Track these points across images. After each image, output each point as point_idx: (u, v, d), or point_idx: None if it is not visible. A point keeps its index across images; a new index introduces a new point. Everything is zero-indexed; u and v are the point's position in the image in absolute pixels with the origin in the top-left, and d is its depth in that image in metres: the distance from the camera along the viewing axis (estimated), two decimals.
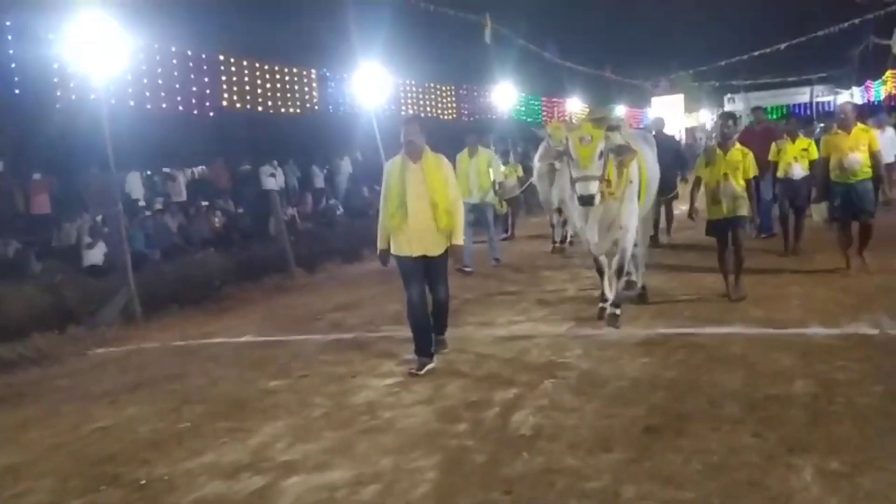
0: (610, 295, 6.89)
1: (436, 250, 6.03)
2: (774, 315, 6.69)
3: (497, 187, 11.05)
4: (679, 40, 39.03)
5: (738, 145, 7.59)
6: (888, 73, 36.06)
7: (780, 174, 9.86)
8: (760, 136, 10.57)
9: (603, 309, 6.94)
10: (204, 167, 17.88)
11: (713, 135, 39.06)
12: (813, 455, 3.82)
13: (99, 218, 14.16)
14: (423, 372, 5.86)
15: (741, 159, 7.45)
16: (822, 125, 11.35)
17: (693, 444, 4.09)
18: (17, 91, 11.89)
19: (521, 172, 15.04)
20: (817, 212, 9.24)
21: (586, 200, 6.27)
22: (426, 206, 5.92)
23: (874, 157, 8.11)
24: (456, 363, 6.15)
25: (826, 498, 3.42)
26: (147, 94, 12.97)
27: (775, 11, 23.74)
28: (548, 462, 4.03)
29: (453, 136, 15.91)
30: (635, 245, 7.33)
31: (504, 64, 22.31)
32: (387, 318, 8.09)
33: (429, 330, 6.10)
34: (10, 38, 11.53)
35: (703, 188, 7.68)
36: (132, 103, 12.65)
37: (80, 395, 6.34)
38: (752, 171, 7.52)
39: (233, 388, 6.05)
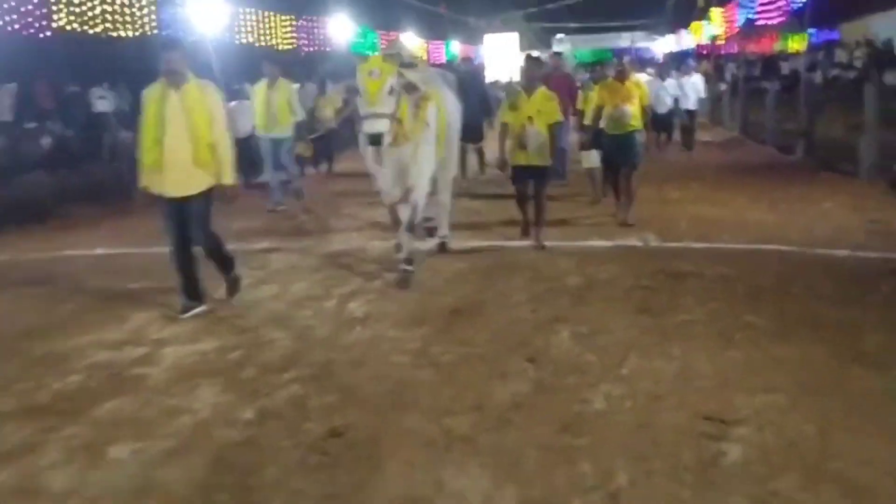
0: (406, 246, 6.43)
1: (194, 189, 5.52)
2: (563, 233, 8.09)
3: (301, 131, 10.54)
4: None
5: (543, 88, 7.47)
6: (694, 23, 39.28)
7: (587, 122, 9.35)
8: (556, 82, 9.81)
9: (405, 271, 6.38)
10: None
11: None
12: (570, 324, 5.20)
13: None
14: (187, 315, 5.63)
15: (546, 103, 7.31)
16: (590, 74, 11.77)
17: (485, 320, 5.39)
18: None
19: (338, 104, 14.50)
20: (587, 159, 9.56)
21: (374, 139, 5.87)
22: (185, 141, 5.40)
23: (644, 110, 8.35)
24: (299, 268, 7.15)
25: (573, 348, 4.78)
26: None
27: None
28: (375, 333, 5.20)
29: (295, 67, 16.44)
30: (434, 193, 7.05)
31: None
32: (230, 234, 8.90)
33: (193, 273, 5.76)
34: None
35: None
36: None
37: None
38: (557, 116, 7.38)
39: (99, 288, 6.73)
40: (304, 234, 8.78)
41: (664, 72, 14.98)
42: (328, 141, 13.91)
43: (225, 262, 6.02)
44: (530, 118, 7.23)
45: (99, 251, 8.52)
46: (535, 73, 7.74)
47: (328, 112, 13.15)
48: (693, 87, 14.40)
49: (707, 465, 3.35)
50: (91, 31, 14.09)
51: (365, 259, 7.41)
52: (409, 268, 6.41)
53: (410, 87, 6.19)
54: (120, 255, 8.22)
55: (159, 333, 5.32)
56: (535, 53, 10.72)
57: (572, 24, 46.86)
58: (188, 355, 4.92)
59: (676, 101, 14.06)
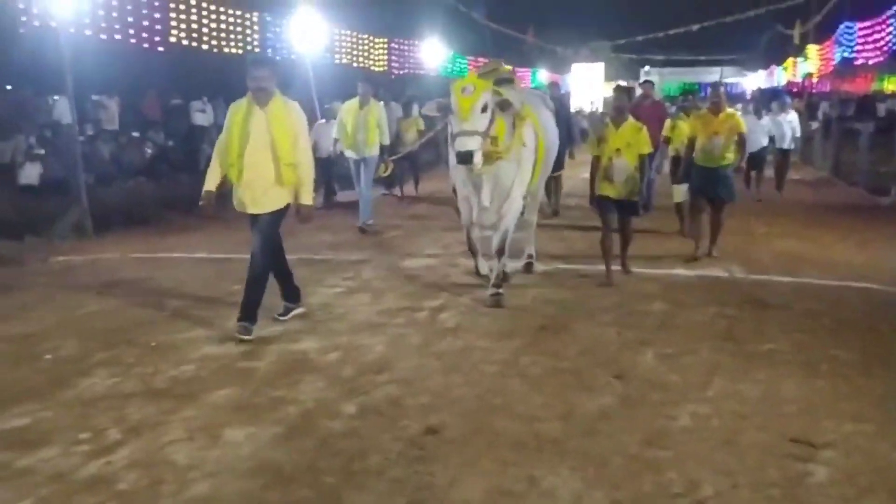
0: (485, 271, 6.57)
1: (271, 206, 5.50)
2: (648, 262, 8.15)
3: (385, 153, 10.34)
4: (600, 11, 40.79)
5: (631, 119, 7.23)
6: (789, 60, 38.65)
7: (673, 152, 9.68)
8: (647, 111, 9.93)
9: (496, 294, 6.36)
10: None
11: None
12: (655, 346, 5.33)
13: (33, 139, 14.73)
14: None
15: (635, 134, 7.08)
16: (683, 104, 11.24)
17: (572, 337, 5.55)
18: None
19: (421, 126, 13.97)
20: (677, 193, 9.14)
21: (463, 157, 5.70)
22: (267, 159, 5.38)
23: (739, 143, 8.02)
24: (389, 280, 7.44)
25: (658, 368, 4.91)
26: (103, 24, 13.57)
27: None
28: (466, 344, 5.42)
29: (386, 88, 16.95)
30: (522, 214, 6.97)
31: (434, 21, 23.34)
32: (324, 246, 9.28)
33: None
34: None
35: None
36: (89, 32, 13.23)
37: (64, 289, 7.33)
38: (646, 148, 7.19)
39: (201, 288, 7.15)
40: (392, 250, 9.08)
41: (759, 109, 14.40)
42: (413, 162, 13.98)
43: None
44: (618, 150, 7.03)
45: (201, 254, 9.01)
46: (623, 104, 7.39)
47: (411, 134, 13.70)
48: (790, 126, 13.88)
49: (793, 484, 3.45)
50: (203, 48, 14.88)
51: (452, 275, 7.63)
52: (500, 291, 6.41)
53: (505, 105, 5.98)
54: (218, 259, 8.66)
55: (263, 331, 5.65)
56: (623, 83, 10.43)
57: (660, 57, 46.66)
58: (290, 353, 5.23)
59: (772, 139, 13.47)
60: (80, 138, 15.36)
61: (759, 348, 5.29)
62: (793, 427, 4.01)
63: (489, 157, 5.93)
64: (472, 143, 5.70)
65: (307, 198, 5.58)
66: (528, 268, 7.59)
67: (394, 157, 11.31)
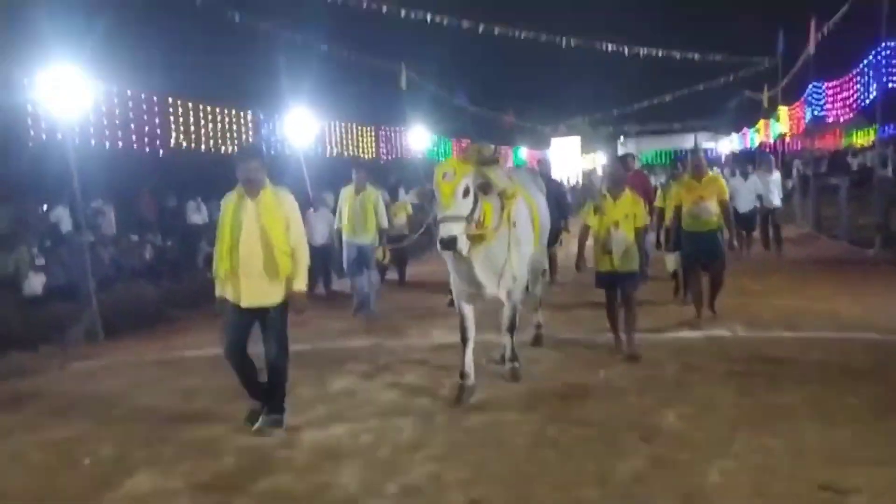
0: (469, 370, 6.17)
1: (270, 300, 5.43)
2: (653, 325, 8.36)
3: (383, 238, 10.27)
4: (575, 89, 42.21)
5: (628, 192, 7.22)
6: (760, 122, 39.80)
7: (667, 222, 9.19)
8: (631, 181, 9.41)
9: (462, 387, 6.09)
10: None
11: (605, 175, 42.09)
12: (676, 406, 5.54)
13: (35, 250, 14.97)
14: (280, 429, 5.53)
15: (633, 207, 7.07)
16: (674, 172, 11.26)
17: (594, 404, 5.78)
18: None
19: (410, 210, 13.64)
20: (670, 261, 9.11)
21: (446, 244, 5.59)
22: (260, 249, 5.32)
23: (723, 206, 8.11)
24: (406, 362, 7.61)
25: (682, 428, 5.11)
26: (107, 132, 14.06)
27: (660, 66, 26.70)
28: (493, 418, 5.60)
29: (375, 174, 17.40)
30: (528, 289, 7.02)
31: (417, 108, 24.22)
32: (335, 333, 9.47)
33: (255, 378, 5.67)
34: None
35: (591, 238, 7.34)
36: (93, 142, 13.70)
37: (89, 394, 7.43)
38: (644, 220, 7.21)
39: (222, 384, 7.23)
40: (401, 333, 9.24)
41: (745, 171, 14.79)
42: (401, 248, 13.10)
43: (282, 391, 5.66)
44: (616, 223, 6.98)
45: (212, 352, 9.12)
46: (620, 175, 7.47)
47: (401, 218, 13.41)
48: (776, 184, 14.21)
49: None
50: (202, 148, 15.40)
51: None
52: (516, 364, 6.57)
53: (486, 187, 5.87)
54: None
55: (291, 421, 5.79)
56: (621, 151, 10.76)
57: (635, 127, 47.99)
58: (324, 439, 5.38)
59: (759, 198, 13.69)
60: (84, 245, 15.83)
61: (775, 401, 5.50)
62: (820, 475, 4.20)
63: (476, 241, 5.88)
64: (456, 229, 5.63)
65: (301, 285, 5.49)
66: (538, 340, 7.66)
67: (392, 246, 11.20)
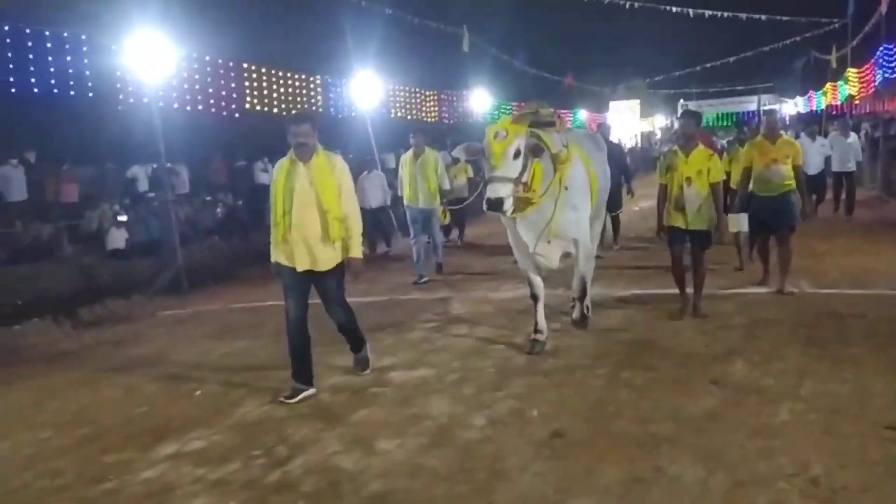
0: (542, 325, 6.30)
1: (324, 265, 5.41)
2: (721, 283, 8.55)
3: (443, 198, 10.30)
4: (636, 51, 41.73)
5: (701, 146, 6.98)
6: (828, 84, 38.85)
7: (734, 185, 8.92)
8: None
9: (535, 341, 6.25)
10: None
11: (664, 139, 41.66)
12: (744, 354, 5.79)
13: (116, 207, 15.73)
14: (295, 400, 5.37)
15: (706, 162, 6.85)
16: (729, 137, 10.77)
17: (663, 352, 6.04)
18: (90, 94, 13.50)
19: (470, 173, 13.98)
20: (734, 223, 8.19)
21: (492, 204, 5.51)
22: (314, 214, 5.33)
23: (797, 170, 7.88)
24: (478, 314, 7.97)
25: (751, 374, 5.37)
26: (187, 97, 14.64)
27: (725, 27, 26.26)
28: (568, 362, 5.93)
29: (435, 138, 17.72)
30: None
31: (479, 72, 24.33)
32: (404, 287, 9.89)
33: (306, 355, 5.57)
34: (85, 49, 13.20)
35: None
36: (176, 105, 14.30)
37: (186, 336, 8.02)
38: (720, 175, 6.91)
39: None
40: (469, 288, 9.61)
41: (813, 132, 14.34)
42: (461, 210, 12.91)
43: (357, 339, 5.92)
44: (689, 179, 6.81)
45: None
46: (692, 130, 7.13)
47: (461, 180, 13.60)
48: (853, 148, 13.85)
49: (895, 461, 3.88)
50: (273, 111, 15.89)
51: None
52: (588, 315, 6.75)
53: (538, 150, 5.76)
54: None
55: (381, 362, 6.21)
56: (691, 106, 10.56)
57: (696, 89, 47.18)
58: (411, 379, 5.80)
59: (827, 160, 13.47)
60: (169, 203, 16.55)
61: (843, 352, 5.71)
62: (886, 417, 4.43)
63: (523, 204, 5.79)
64: (503, 190, 5.53)
65: (356, 251, 5.51)
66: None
67: (452, 207, 11.00)
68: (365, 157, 15.08)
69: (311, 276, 5.44)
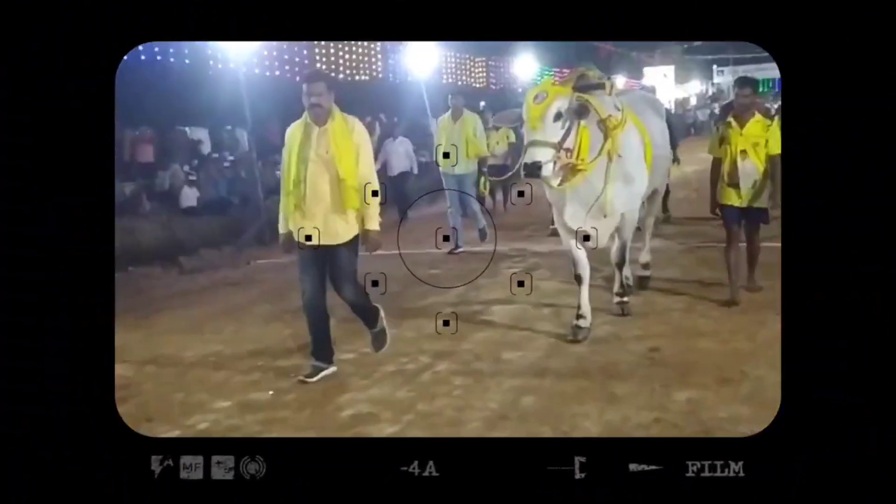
0: (585, 310, 5.81)
1: (339, 237, 4.94)
2: None
3: (482, 166, 9.99)
4: None
5: (758, 116, 6.33)
6: None
7: None
8: None
9: (576, 327, 5.76)
10: None
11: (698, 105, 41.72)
12: None
13: (186, 167, 16.75)
14: (314, 379, 5.11)
15: (763, 132, 6.24)
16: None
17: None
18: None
19: (513, 138, 12.73)
20: None
21: (530, 169, 5.10)
22: (329, 182, 4.85)
23: None
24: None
25: None
26: (266, 63, 15.52)
27: None
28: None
29: (474, 100, 18.22)
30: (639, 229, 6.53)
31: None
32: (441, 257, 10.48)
33: (325, 331, 5.21)
34: None
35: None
36: (257, 71, 15.14)
37: (290, 280, 8.82)
38: (778, 146, 6.00)
39: (402, 278, 8.37)
40: (513, 259, 9.26)
41: None
42: (503, 180, 11.80)
43: (370, 316, 5.35)
44: (744, 152, 6.27)
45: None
46: (748, 99, 6.44)
47: (502, 146, 13.03)
48: None
49: None
50: (339, 77, 16.60)
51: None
52: (626, 299, 6.34)
53: (582, 111, 5.28)
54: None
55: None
56: (717, 80, 9.97)
57: (733, 55, 47.14)
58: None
59: None
60: (225, 164, 17.52)
61: None
62: None
63: (569, 173, 5.42)
64: (541, 155, 5.11)
65: (373, 223, 4.99)
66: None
67: (493, 177, 10.80)
68: (392, 120, 15.33)
69: (327, 250, 4.98)
